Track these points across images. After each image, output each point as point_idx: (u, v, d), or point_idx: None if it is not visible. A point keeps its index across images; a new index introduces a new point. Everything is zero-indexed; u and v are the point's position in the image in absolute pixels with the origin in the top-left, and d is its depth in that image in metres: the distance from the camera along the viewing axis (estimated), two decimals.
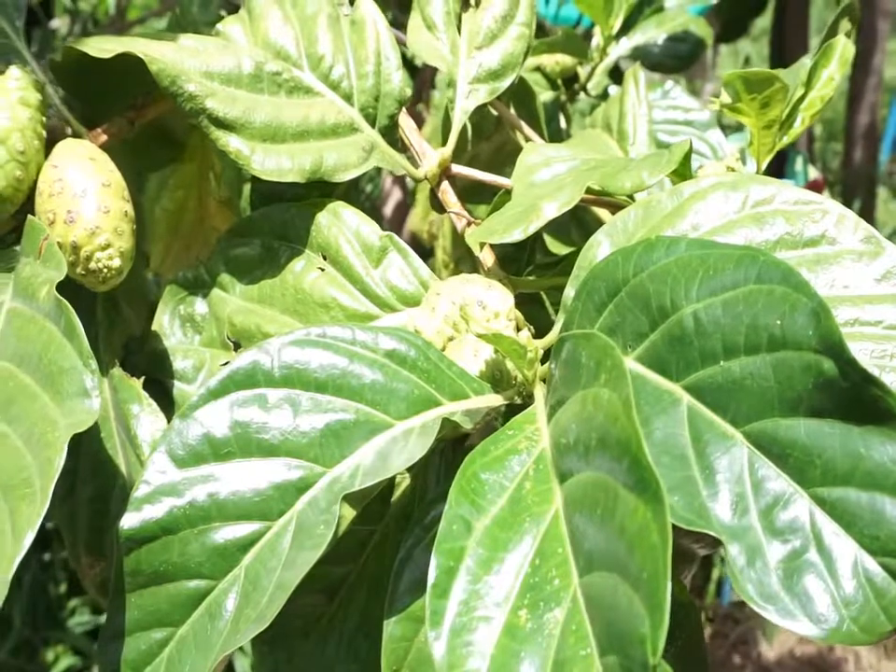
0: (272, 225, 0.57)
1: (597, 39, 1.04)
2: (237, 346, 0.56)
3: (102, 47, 0.55)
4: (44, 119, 0.53)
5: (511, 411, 0.44)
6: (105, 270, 0.50)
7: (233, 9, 0.86)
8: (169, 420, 0.52)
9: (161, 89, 0.53)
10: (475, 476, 0.36)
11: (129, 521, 0.40)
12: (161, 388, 0.56)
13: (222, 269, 0.58)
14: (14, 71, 0.53)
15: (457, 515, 0.35)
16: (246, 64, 0.56)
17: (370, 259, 0.54)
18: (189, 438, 0.41)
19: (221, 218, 0.61)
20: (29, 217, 0.50)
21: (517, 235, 0.49)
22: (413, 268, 0.53)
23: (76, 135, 0.57)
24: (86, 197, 0.50)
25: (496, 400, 0.44)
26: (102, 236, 0.50)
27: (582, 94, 1.04)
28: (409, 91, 0.59)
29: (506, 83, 0.63)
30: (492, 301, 0.48)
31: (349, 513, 0.46)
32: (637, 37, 1.07)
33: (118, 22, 1.77)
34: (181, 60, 0.55)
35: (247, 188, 0.69)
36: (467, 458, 0.37)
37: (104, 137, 0.56)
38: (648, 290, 0.40)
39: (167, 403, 0.55)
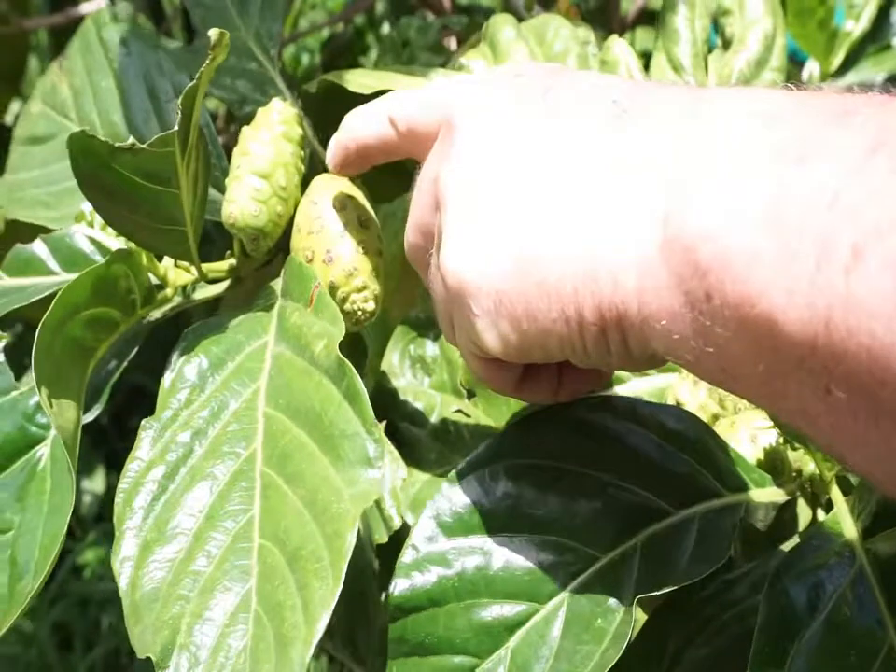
0: None
1: (810, 75, 0.98)
2: (470, 394, 0.55)
3: (361, 81, 0.54)
4: (303, 153, 0.53)
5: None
6: (360, 312, 0.49)
7: (452, 34, 0.85)
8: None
9: None
10: (784, 592, 0.34)
11: (399, 587, 0.39)
12: (389, 429, 0.55)
13: None
14: (277, 104, 0.53)
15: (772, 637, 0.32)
16: None
17: None
18: (459, 506, 0.40)
19: None
20: (292, 255, 0.50)
21: None
22: None
23: (325, 169, 0.57)
24: (344, 237, 0.50)
25: (778, 496, 0.41)
26: (359, 278, 0.49)
27: None
28: None
29: None
30: None
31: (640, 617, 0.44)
32: (851, 76, 1.01)
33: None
34: None
35: None
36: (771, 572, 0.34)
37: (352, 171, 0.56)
38: None
39: (396, 446, 0.55)
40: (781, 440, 0.41)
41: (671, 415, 0.41)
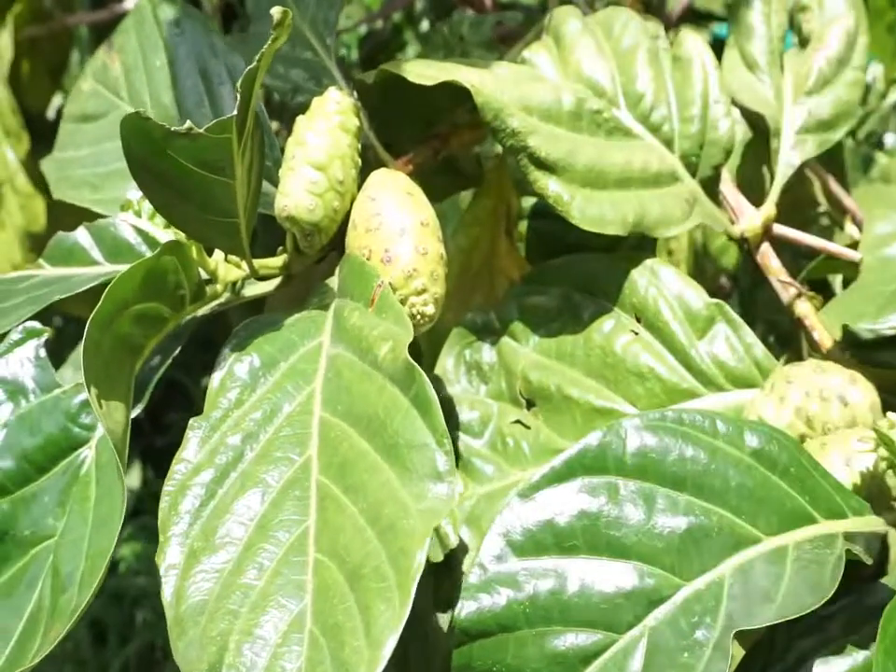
0: (575, 276, 0.53)
1: (874, 78, 0.95)
2: (530, 404, 0.52)
3: (422, 72, 0.51)
4: (359, 146, 0.51)
5: None
6: (419, 316, 0.46)
7: (505, 32, 0.83)
8: None
9: (484, 122, 0.50)
10: None
11: (466, 609, 0.36)
12: None
13: (515, 317, 0.53)
14: (334, 94, 0.50)
15: None
16: (567, 100, 0.52)
17: (693, 328, 0.48)
18: (530, 523, 0.37)
19: (510, 260, 0.58)
20: (349, 252, 0.47)
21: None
22: (744, 343, 0.47)
23: (381, 164, 0.54)
24: (404, 236, 0.47)
25: (878, 525, 0.37)
26: (418, 280, 0.46)
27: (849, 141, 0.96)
28: (735, 141, 0.54)
29: (837, 135, 0.57)
30: (855, 397, 0.42)
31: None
32: None
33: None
34: (501, 91, 0.51)
35: (523, 225, 0.65)
36: (888, 610, 0.31)
37: (409, 167, 0.54)
38: None
39: None
40: (883, 464, 0.38)
41: (760, 434, 0.38)
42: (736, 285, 1.13)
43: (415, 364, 0.37)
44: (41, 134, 1.03)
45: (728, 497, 0.37)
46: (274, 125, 0.98)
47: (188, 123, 0.39)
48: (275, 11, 0.41)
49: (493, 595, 0.36)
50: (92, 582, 0.35)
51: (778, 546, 0.36)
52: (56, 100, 1.10)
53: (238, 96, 0.40)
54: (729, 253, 1.00)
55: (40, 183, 0.97)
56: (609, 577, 0.36)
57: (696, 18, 1.65)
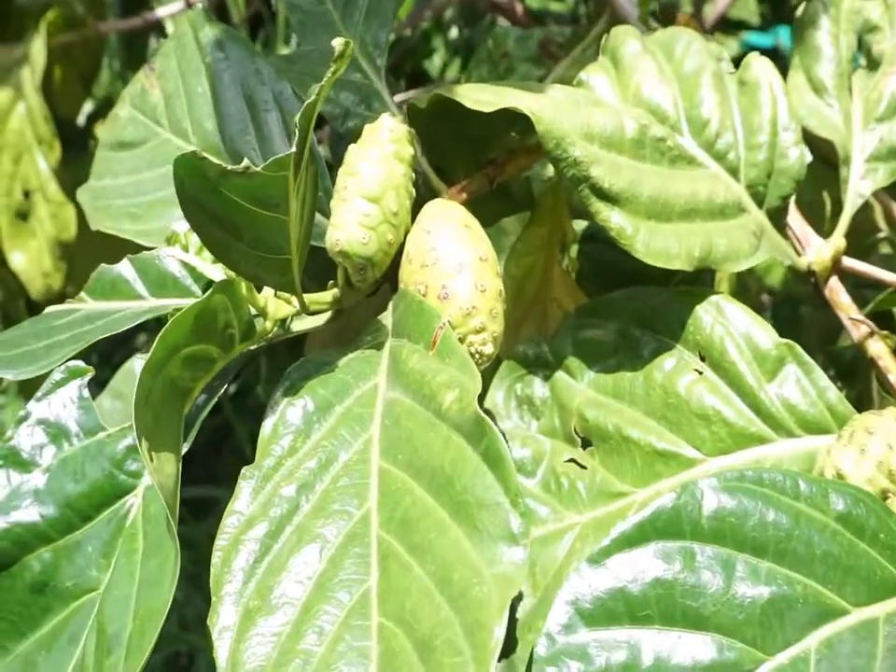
0: (634, 310, 0.51)
1: None
2: (585, 443, 0.50)
3: (478, 98, 0.49)
4: (413, 175, 0.49)
5: None
6: (477, 356, 0.44)
7: (551, 47, 0.80)
8: None
9: (544, 151, 0.47)
10: None
11: None
12: None
13: (570, 351, 0.51)
14: (387, 121, 0.48)
15: None
16: (629, 126, 0.50)
17: (762, 369, 0.46)
18: (601, 591, 0.35)
19: (564, 289, 0.56)
20: (403, 288, 0.45)
21: None
22: (817, 387, 0.45)
23: (433, 191, 0.52)
24: (462, 272, 0.45)
25: None
26: (477, 318, 0.44)
27: None
28: (805, 170, 0.51)
29: None
30: None
31: None
32: None
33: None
34: (561, 118, 0.49)
35: (573, 249, 0.63)
36: None
37: (464, 196, 0.52)
38: None
39: None
40: None
41: (846, 496, 0.36)
42: (772, 302, 1.11)
43: (485, 416, 0.35)
44: (71, 142, 1.02)
45: (813, 564, 0.35)
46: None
47: (245, 162, 0.37)
48: (337, 43, 0.39)
49: (562, 669, 0.34)
50: (143, 648, 0.33)
51: (868, 618, 0.34)
52: (86, 106, 1.09)
53: (297, 131, 0.38)
54: (774, 272, 0.97)
55: (71, 191, 0.96)
56: (687, 650, 0.34)
57: (728, 27, 1.63)
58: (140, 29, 1.07)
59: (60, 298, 1.00)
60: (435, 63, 1.88)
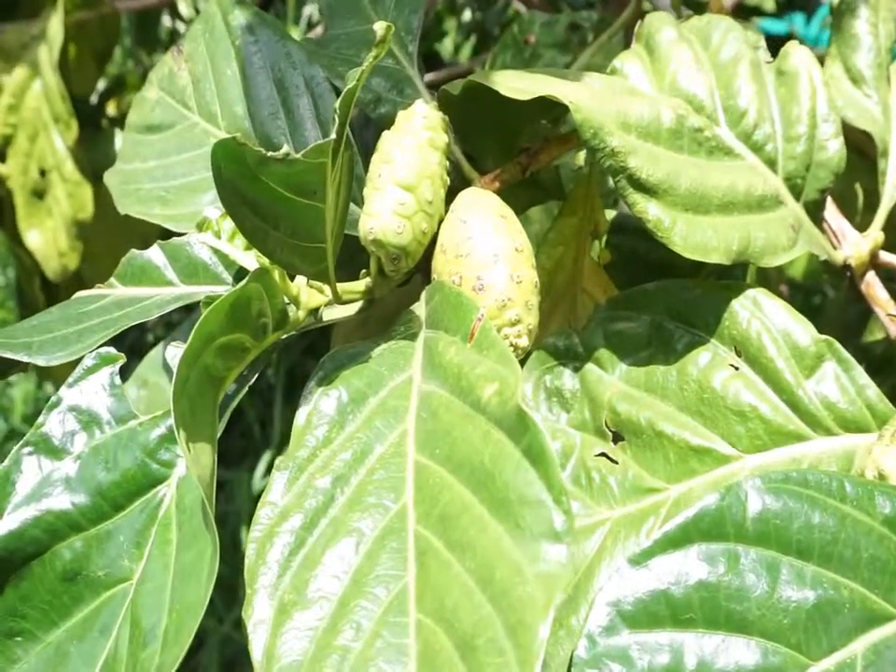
0: (668, 303, 0.50)
1: None
2: (616, 438, 0.49)
3: (514, 85, 0.48)
4: (447, 163, 0.48)
5: None
6: (512, 348, 0.44)
7: (578, 34, 0.79)
8: None
9: (581, 140, 0.47)
10: None
11: None
12: None
13: (601, 343, 0.51)
14: (421, 107, 0.47)
15: None
16: (666, 116, 0.49)
17: (800, 366, 0.46)
18: (643, 593, 0.35)
19: (594, 281, 0.55)
20: (438, 279, 0.45)
21: None
22: (856, 385, 0.45)
23: (465, 179, 0.51)
24: (497, 263, 0.44)
25: None
26: (512, 310, 0.44)
27: None
28: (844, 163, 0.50)
29: None
30: None
31: None
32: None
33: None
34: (598, 107, 0.48)
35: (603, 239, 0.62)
36: None
37: (497, 185, 0.51)
38: None
39: None
40: None
41: (893, 498, 0.36)
42: (795, 293, 1.10)
43: (528, 411, 0.34)
44: (85, 120, 1.01)
45: (859, 568, 0.34)
46: None
47: (284, 148, 0.36)
48: (378, 27, 0.38)
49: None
50: (182, 643, 0.33)
51: None
52: (99, 84, 1.08)
53: (336, 118, 0.38)
54: (796, 263, 0.96)
55: (87, 170, 0.95)
56: (730, 654, 0.34)
57: (744, 13, 1.61)
58: (153, 7, 1.06)
59: (75, 277, 0.99)
60: (447, 45, 1.87)
